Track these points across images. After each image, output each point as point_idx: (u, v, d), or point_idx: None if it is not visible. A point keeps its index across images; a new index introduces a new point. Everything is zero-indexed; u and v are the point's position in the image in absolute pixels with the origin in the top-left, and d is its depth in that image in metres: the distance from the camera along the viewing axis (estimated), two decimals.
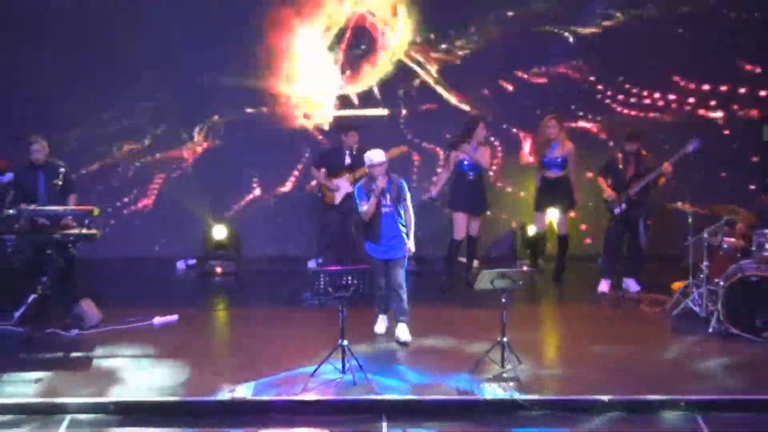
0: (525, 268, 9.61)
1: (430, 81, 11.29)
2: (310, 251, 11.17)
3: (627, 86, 11.24)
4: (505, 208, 11.33)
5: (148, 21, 10.88)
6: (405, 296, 8.22)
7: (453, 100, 11.30)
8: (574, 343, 8.45)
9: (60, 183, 9.21)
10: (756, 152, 11.21)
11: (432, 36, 11.22)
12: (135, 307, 9.12)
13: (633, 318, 9.08)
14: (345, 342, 7.37)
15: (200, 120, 11.37)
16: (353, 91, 11.28)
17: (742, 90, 11.15)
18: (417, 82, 11.31)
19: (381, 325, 8.47)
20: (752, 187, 11.10)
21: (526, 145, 11.27)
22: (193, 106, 11.30)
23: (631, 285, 9.80)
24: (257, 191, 11.46)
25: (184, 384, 7.29)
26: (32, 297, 8.60)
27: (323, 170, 10.25)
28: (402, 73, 11.29)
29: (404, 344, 8.14)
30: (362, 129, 10.32)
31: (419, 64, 11.26)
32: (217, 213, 11.34)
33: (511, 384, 7.20)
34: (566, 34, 11.14)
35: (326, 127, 11.28)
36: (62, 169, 9.31)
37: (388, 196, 8.09)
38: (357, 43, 11.23)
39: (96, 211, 8.83)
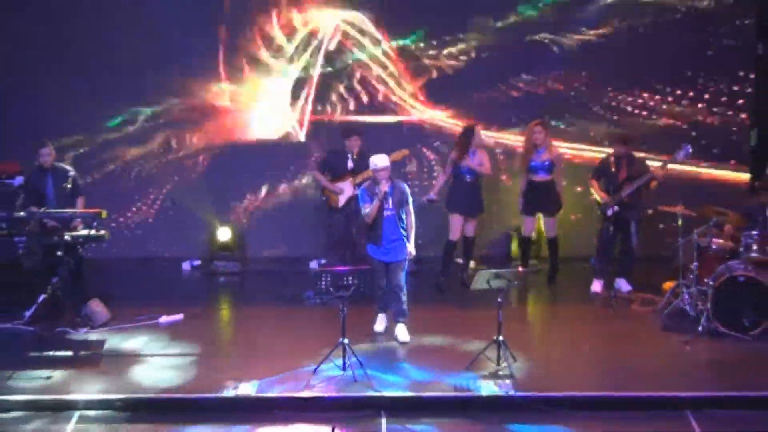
0: (520, 269, 9.62)
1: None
2: (312, 252, 11.18)
3: (618, 92, 11.21)
4: (501, 210, 11.30)
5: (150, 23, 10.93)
6: (405, 298, 8.22)
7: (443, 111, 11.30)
8: (568, 341, 8.46)
9: (69, 186, 9.28)
10: (744, 156, 11.20)
11: (422, 45, 11.20)
12: (142, 306, 9.12)
13: (625, 317, 9.08)
14: (346, 340, 7.38)
15: (204, 124, 11.37)
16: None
17: (732, 95, 11.14)
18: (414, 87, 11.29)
19: (380, 324, 8.47)
20: (740, 189, 11.09)
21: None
22: (197, 110, 11.30)
23: (623, 285, 9.80)
24: (261, 194, 11.45)
25: (189, 381, 7.31)
26: (42, 297, 8.62)
27: (327, 174, 10.24)
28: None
29: (403, 344, 8.15)
30: (364, 133, 10.37)
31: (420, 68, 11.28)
32: (222, 215, 11.34)
33: (507, 381, 7.21)
34: (558, 42, 11.13)
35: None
36: (71, 173, 9.40)
37: (390, 200, 8.10)
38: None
39: (104, 214, 8.85)
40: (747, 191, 10.73)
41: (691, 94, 11.15)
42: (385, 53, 11.22)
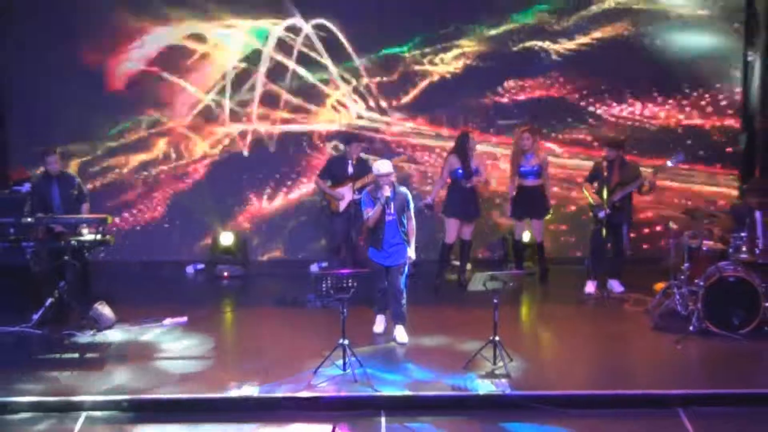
0: (515, 271, 9.63)
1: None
2: (313, 256, 11.19)
3: (609, 98, 11.21)
4: (498, 214, 11.31)
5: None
6: (404, 301, 8.23)
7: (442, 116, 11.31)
8: (562, 341, 8.48)
9: (75, 193, 9.34)
10: (734, 159, 11.22)
11: (418, 52, 11.22)
12: (147, 309, 9.13)
13: (618, 317, 9.10)
14: (346, 341, 7.40)
15: (207, 131, 11.38)
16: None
17: (721, 100, 11.15)
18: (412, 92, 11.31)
19: (380, 325, 8.49)
20: (730, 192, 11.11)
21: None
22: (201, 117, 11.32)
23: (615, 286, 9.82)
24: (263, 199, 11.45)
25: (194, 381, 7.31)
26: (50, 300, 8.63)
27: (327, 180, 10.25)
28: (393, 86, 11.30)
29: (402, 344, 8.17)
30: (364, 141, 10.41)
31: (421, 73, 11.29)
32: (225, 220, 11.35)
33: (503, 380, 7.22)
34: (546, 50, 11.14)
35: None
36: (76, 180, 9.45)
37: (392, 205, 8.10)
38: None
39: (110, 219, 8.90)
40: (737, 194, 10.78)
41: (681, 99, 11.15)
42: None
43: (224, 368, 7.60)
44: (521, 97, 11.21)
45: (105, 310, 8.71)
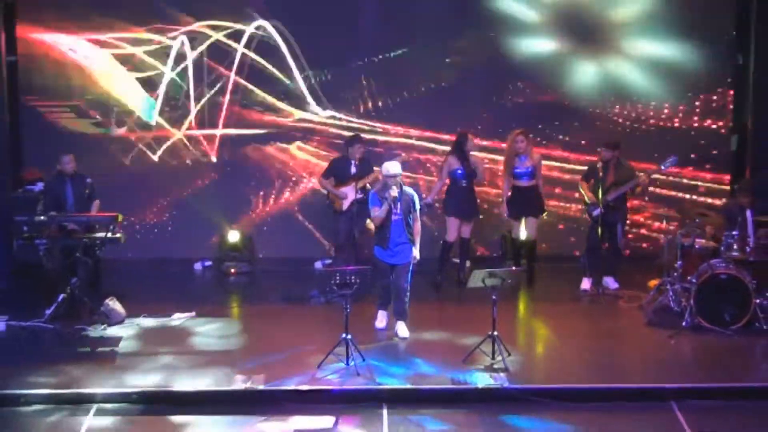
0: (513, 268, 9.63)
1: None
2: (317, 253, 11.19)
3: (604, 101, 11.20)
4: (497, 213, 11.29)
5: None
6: (407, 299, 8.23)
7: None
8: (559, 336, 8.48)
9: (88, 192, 9.37)
10: (725, 160, 11.20)
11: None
12: (156, 304, 9.15)
13: (613, 313, 9.10)
14: (349, 336, 7.40)
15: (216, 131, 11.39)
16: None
17: (713, 103, 11.14)
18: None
19: (382, 321, 8.49)
20: (722, 192, 11.10)
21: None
22: (208, 118, 11.33)
23: (610, 283, 9.82)
24: (269, 198, 11.46)
25: (201, 375, 7.32)
26: (62, 296, 8.65)
27: (332, 179, 10.25)
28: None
29: (403, 339, 8.17)
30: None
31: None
32: (232, 218, 11.35)
33: (501, 374, 7.23)
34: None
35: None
36: (88, 180, 9.47)
37: (399, 205, 8.09)
38: None
39: (120, 217, 8.90)
40: (728, 193, 10.77)
41: (674, 102, 11.13)
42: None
43: (231, 362, 7.60)
44: (516, 100, 11.18)
45: (115, 305, 8.72)
